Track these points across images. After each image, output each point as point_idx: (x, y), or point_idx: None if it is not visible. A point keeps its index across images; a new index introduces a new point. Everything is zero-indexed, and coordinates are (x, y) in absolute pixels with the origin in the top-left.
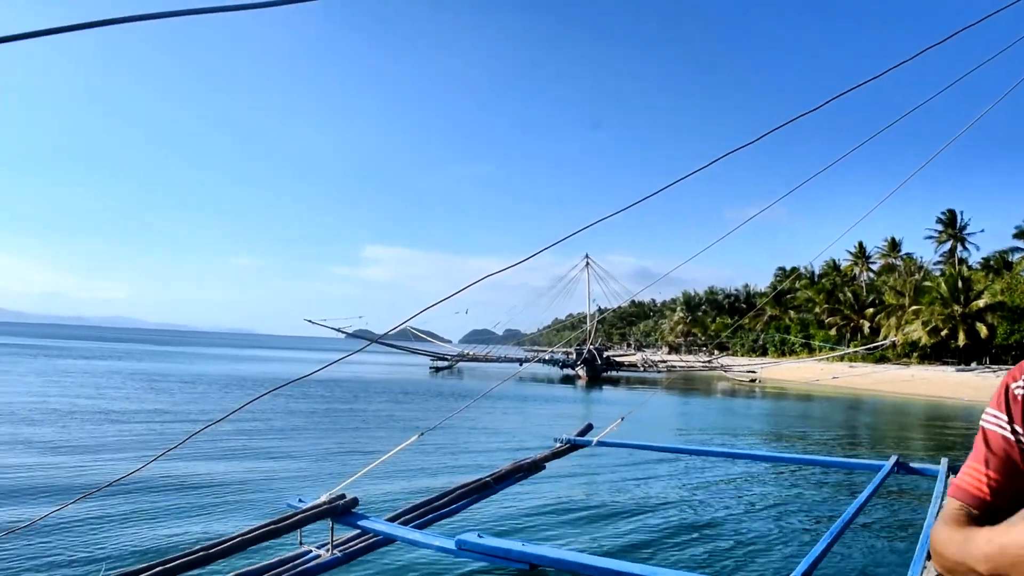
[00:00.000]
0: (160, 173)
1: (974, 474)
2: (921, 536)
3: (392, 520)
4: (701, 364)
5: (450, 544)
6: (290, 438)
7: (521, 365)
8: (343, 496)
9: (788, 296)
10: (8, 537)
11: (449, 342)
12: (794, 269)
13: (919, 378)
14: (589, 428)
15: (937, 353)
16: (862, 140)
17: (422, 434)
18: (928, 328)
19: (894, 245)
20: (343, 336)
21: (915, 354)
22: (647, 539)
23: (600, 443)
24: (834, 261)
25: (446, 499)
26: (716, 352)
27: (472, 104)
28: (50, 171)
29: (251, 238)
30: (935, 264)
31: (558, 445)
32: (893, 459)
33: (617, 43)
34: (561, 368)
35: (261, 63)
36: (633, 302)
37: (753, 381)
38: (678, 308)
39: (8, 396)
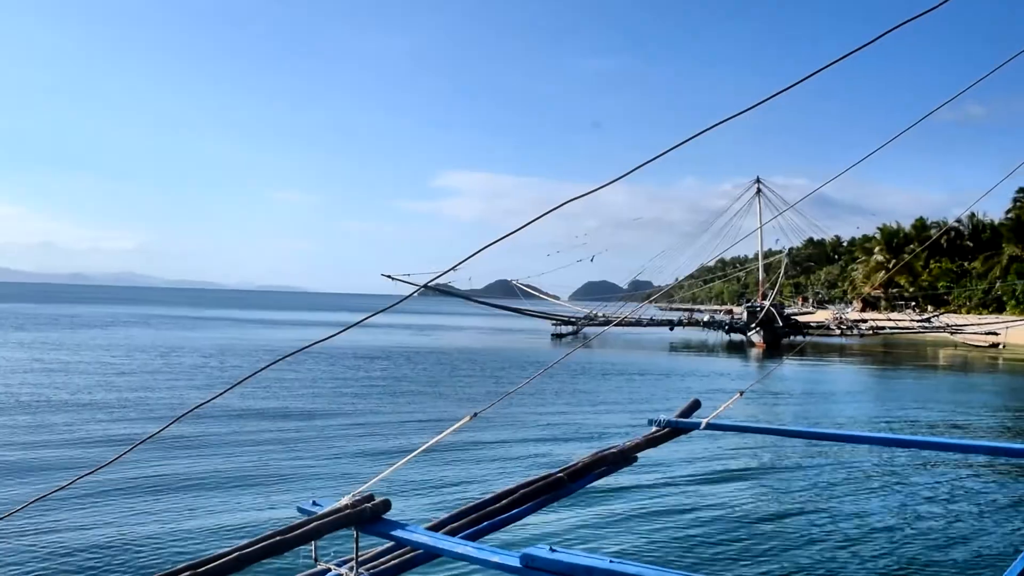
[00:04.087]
0: (179, 92)
1: None
2: None
3: (435, 529)
4: (918, 324)
5: (513, 560)
6: (311, 426)
7: (671, 329)
8: (371, 497)
9: None
10: None
11: (557, 299)
12: None
13: None
14: (696, 406)
15: None
16: None
17: (475, 415)
18: None
19: None
20: (417, 293)
21: None
22: (776, 551)
23: (711, 426)
24: None
25: (507, 501)
26: (931, 308)
27: None
28: (44, 94)
29: (298, 167)
30: None
31: (655, 429)
32: None
33: None
34: (727, 332)
35: None
36: (811, 241)
37: (995, 346)
38: (875, 249)
39: None
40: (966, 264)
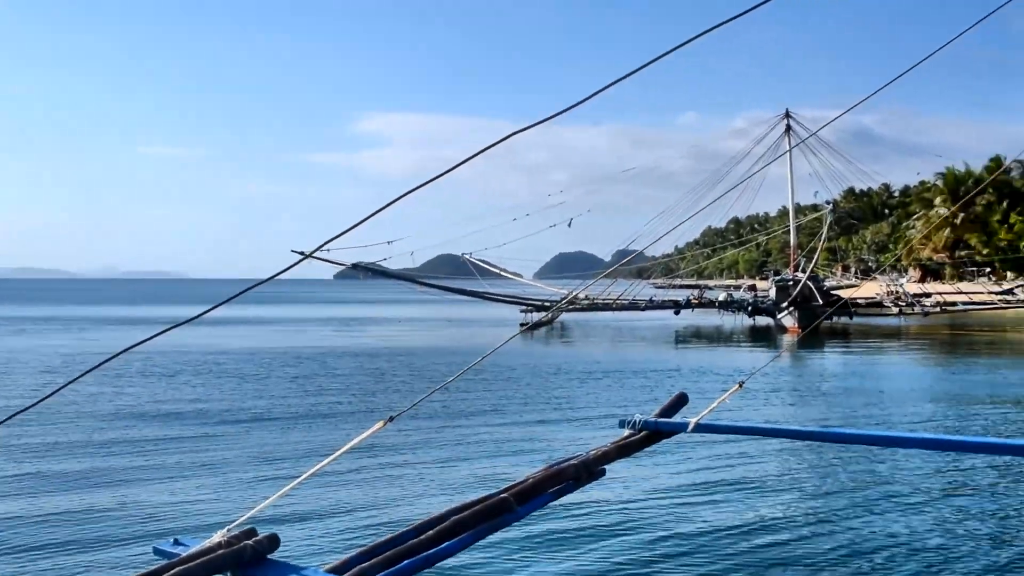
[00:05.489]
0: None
1: None
2: None
3: (339, 571)
4: (999, 298)
5: None
6: (175, 440)
7: (677, 313)
8: (252, 532)
9: None
10: None
11: (519, 277)
12: None
13: None
14: (682, 401)
15: None
16: None
17: (391, 419)
18: None
19: None
20: (332, 275)
21: None
22: None
23: (702, 428)
24: None
25: (434, 532)
26: (1012, 276)
27: None
28: None
29: (173, 112)
30: None
31: (627, 433)
32: None
33: None
34: (750, 315)
35: None
36: (852, 192)
37: None
38: (937, 199)
39: None
40: None
